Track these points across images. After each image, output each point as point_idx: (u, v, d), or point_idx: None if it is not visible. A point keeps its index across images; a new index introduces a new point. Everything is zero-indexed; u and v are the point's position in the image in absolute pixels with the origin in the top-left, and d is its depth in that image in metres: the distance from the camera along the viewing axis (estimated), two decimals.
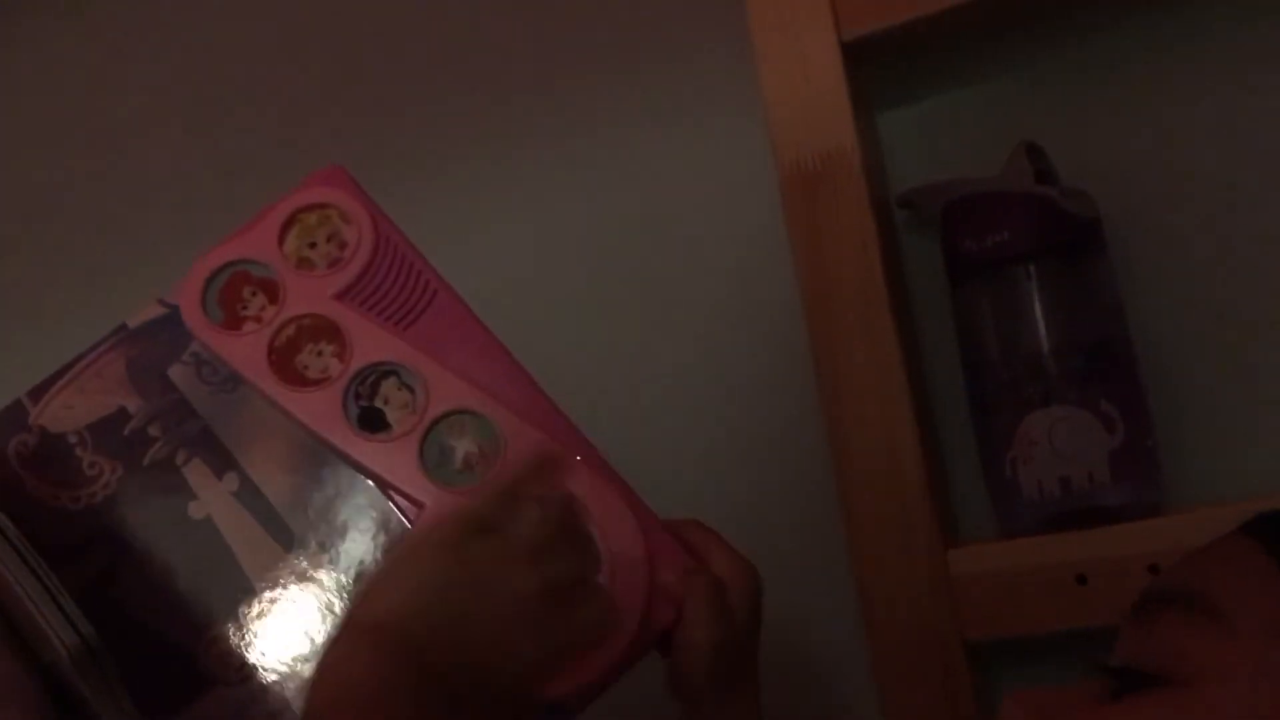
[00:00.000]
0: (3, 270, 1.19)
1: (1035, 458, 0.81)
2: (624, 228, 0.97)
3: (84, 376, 0.69)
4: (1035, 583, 0.80)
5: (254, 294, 0.68)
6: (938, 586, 0.82)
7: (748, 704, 0.68)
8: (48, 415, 0.68)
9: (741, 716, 0.68)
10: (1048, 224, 0.81)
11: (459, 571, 0.56)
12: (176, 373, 0.68)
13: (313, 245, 0.69)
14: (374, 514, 0.66)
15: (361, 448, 0.66)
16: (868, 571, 0.84)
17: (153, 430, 0.68)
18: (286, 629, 0.65)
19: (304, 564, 0.65)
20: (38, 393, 0.68)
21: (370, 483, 0.66)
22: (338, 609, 0.64)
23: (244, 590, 0.65)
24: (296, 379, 0.67)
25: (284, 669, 0.64)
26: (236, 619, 0.65)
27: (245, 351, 0.67)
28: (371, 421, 0.66)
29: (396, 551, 0.63)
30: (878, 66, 0.89)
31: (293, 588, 0.65)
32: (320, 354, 0.67)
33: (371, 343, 0.67)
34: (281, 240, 0.69)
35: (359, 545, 0.65)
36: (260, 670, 0.64)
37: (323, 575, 0.65)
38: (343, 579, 0.65)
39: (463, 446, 0.66)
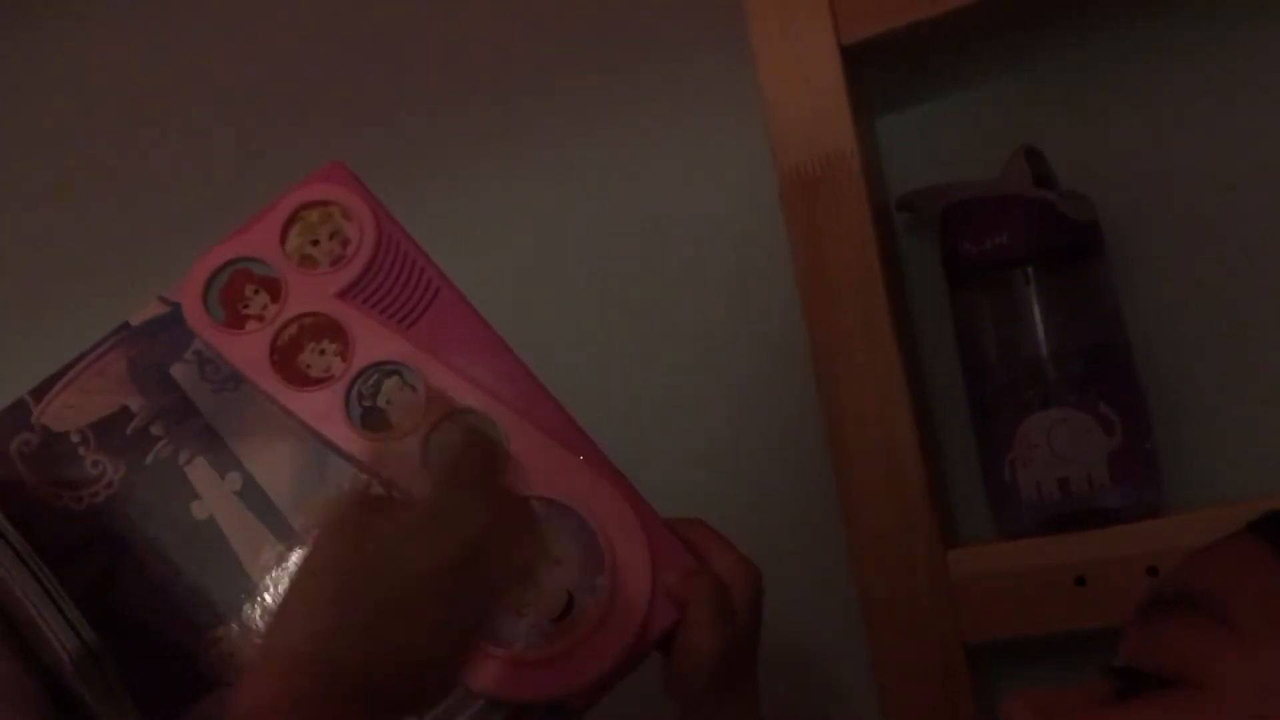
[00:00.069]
0: (3, 270, 1.18)
1: (1034, 460, 0.81)
2: (624, 230, 0.97)
3: (86, 375, 0.68)
4: (1034, 584, 0.80)
5: (256, 292, 0.68)
6: (937, 588, 0.82)
7: (748, 704, 0.68)
8: (50, 414, 0.68)
9: (741, 717, 0.68)
10: (1047, 227, 0.82)
11: (356, 563, 0.54)
12: (179, 371, 0.68)
13: (315, 243, 0.69)
14: None
15: (364, 448, 0.65)
16: (867, 573, 0.84)
17: (155, 429, 0.68)
18: None
19: None
20: (40, 392, 0.68)
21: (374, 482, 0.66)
22: None
23: (246, 590, 0.65)
24: (299, 378, 0.67)
25: None
26: (239, 619, 0.65)
27: (247, 350, 0.67)
28: (374, 421, 0.66)
29: (301, 559, 0.61)
30: (877, 69, 0.89)
31: None
32: (323, 353, 0.67)
33: (374, 341, 0.67)
34: (283, 238, 0.69)
35: None
36: None
37: None
38: None
39: None
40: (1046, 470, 0.81)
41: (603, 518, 0.65)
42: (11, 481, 0.67)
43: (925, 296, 0.89)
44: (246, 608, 0.65)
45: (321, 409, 0.66)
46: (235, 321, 0.68)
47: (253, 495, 0.66)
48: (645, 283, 0.97)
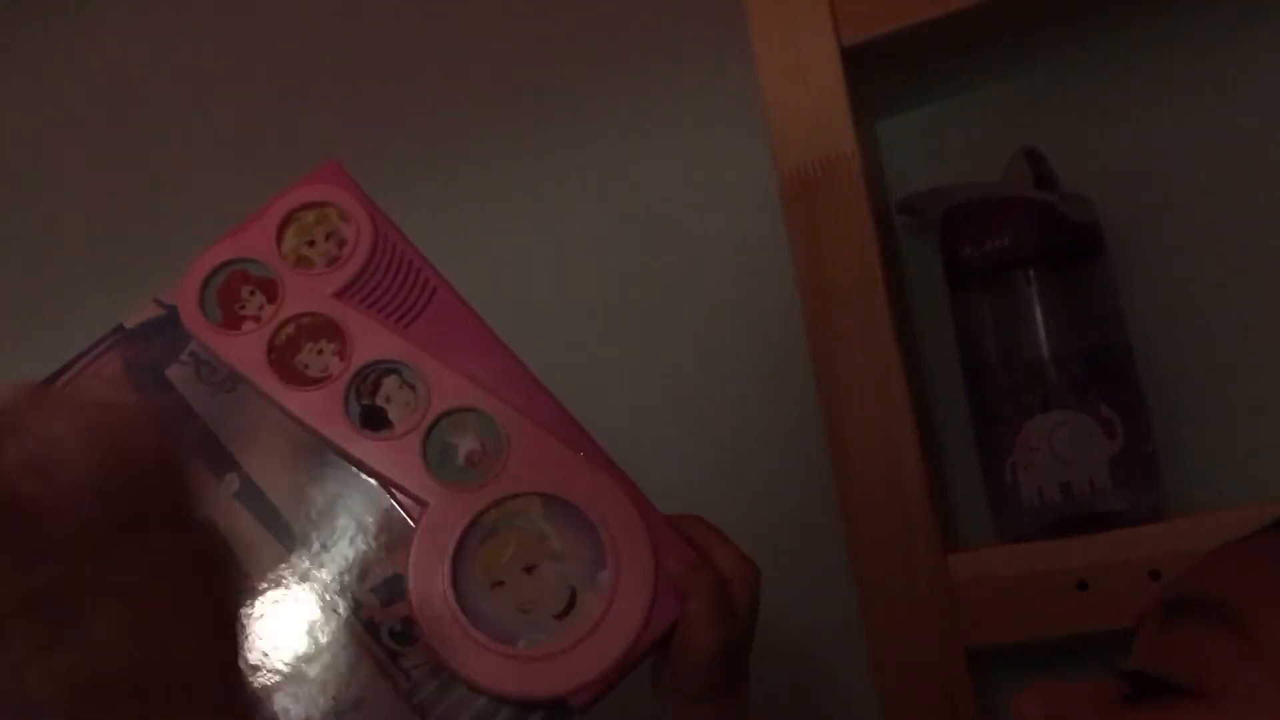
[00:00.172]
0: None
1: (1036, 463, 0.81)
2: (625, 232, 0.97)
3: (81, 378, 0.68)
4: (1036, 588, 0.80)
5: (252, 293, 0.68)
6: (938, 591, 0.82)
7: (739, 705, 0.67)
8: None
9: (733, 717, 0.67)
10: (1047, 229, 0.81)
11: None
12: (175, 373, 0.68)
13: (311, 243, 0.69)
14: (377, 513, 0.65)
15: (363, 446, 0.65)
16: (868, 576, 0.83)
17: None
18: (289, 630, 0.64)
19: (306, 564, 0.65)
20: None
21: (373, 482, 0.66)
22: (340, 609, 0.64)
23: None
24: (297, 378, 0.67)
25: (287, 670, 0.63)
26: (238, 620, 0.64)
27: (245, 350, 0.67)
28: (373, 420, 0.66)
29: None
30: (878, 71, 0.89)
31: (295, 588, 0.65)
32: (321, 352, 0.67)
33: (372, 341, 0.67)
34: (279, 239, 0.69)
35: (362, 545, 0.65)
36: (264, 672, 0.63)
37: (325, 575, 0.65)
38: (346, 579, 0.64)
39: (465, 444, 0.66)
40: (1048, 473, 0.81)
41: (604, 514, 0.65)
42: None
43: (926, 298, 0.89)
44: (245, 608, 0.64)
45: (320, 408, 0.66)
46: (232, 322, 0.68)
47: (251, 496, 0.66)
48: (645, 284, 0.97)
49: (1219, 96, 0.84)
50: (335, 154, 1.00)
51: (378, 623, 0.64)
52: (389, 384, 0.67)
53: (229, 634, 0.51)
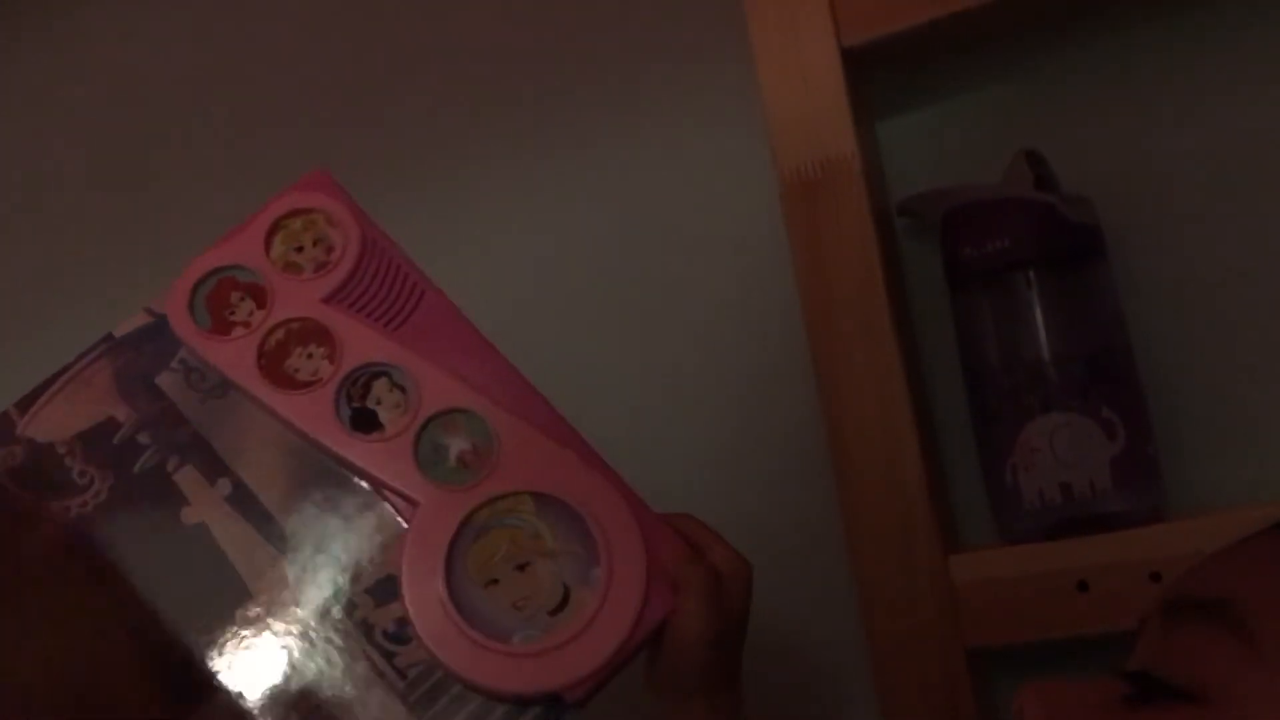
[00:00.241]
0: None
1: (1036, 464, 0.81)
2: (625, 233, 0.97)
3: (71, 387, 0.68)
4: (1036, 590, 0.80)
5: (242, 299, 0.69)
6: (939, 593, 0.82)
7: (732, 700, 0.67)
8: (35, 427, 0.68)
9: (726, 714, 0.67)
10: (1048, 231, 0.81)
11: None
12: (165, 380, 0.68)
13: (299, 249, 0.70)
14: (369, 514, 0.66)
15: (355, 448, 0.66)
16: (868, 578, 0.83)
17: (142, 438, 0.68)
18: (284, 633, 0.64)
19: (299, 566, 0.65)
20: (25, 404, 0.68)
21: (364, 483, 0.66)
22: (335, 610, 0.64)
23: (240, 594, 0.65)
24: (287, 382, 0.67)
25: (284, 673, 0.64)
26: (233, 623, 0.65)
27: (234, 356, 0.67)
28: (364, 422, 0.67)
29: None
30: (878, 73, 0.89)
31: (289, 590, 0.65)
32: (310, 356, 0.67)
33: (362, 344, 0.67)
34: (268, 246, 0.70)
35: (355, 546, 0.65)
36: (259, 675, 0.64)
37: (319, 577, 0.65)
38: (339, 580, 0.65)
39: (456, 444, 0.66)
40: (1048, 475, 0.81)
41: (596, 511, 0.65)
42: None
43: (926, 300, 0.89)
44: (240, 611, 0.65)
45: (311, 411, 0.66)
46: (221, 328, 0.68)
47: (243, 500, 0.66)
48: (645, 286, 0.97)
49: (1219, 98, 0.83)
50: (335, 153, 1.01)
51: (372, 623, 0.64)
52: (379, 386, 0.67)
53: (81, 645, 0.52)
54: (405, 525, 0.65)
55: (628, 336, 0.97)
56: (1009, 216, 0.82)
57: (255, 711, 0.63)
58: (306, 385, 0.67)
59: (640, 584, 0.64)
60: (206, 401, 0.68)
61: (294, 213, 0.70)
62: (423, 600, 0.63)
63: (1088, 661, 0.72)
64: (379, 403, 0.67)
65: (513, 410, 0.67)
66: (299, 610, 0.64)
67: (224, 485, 0.67)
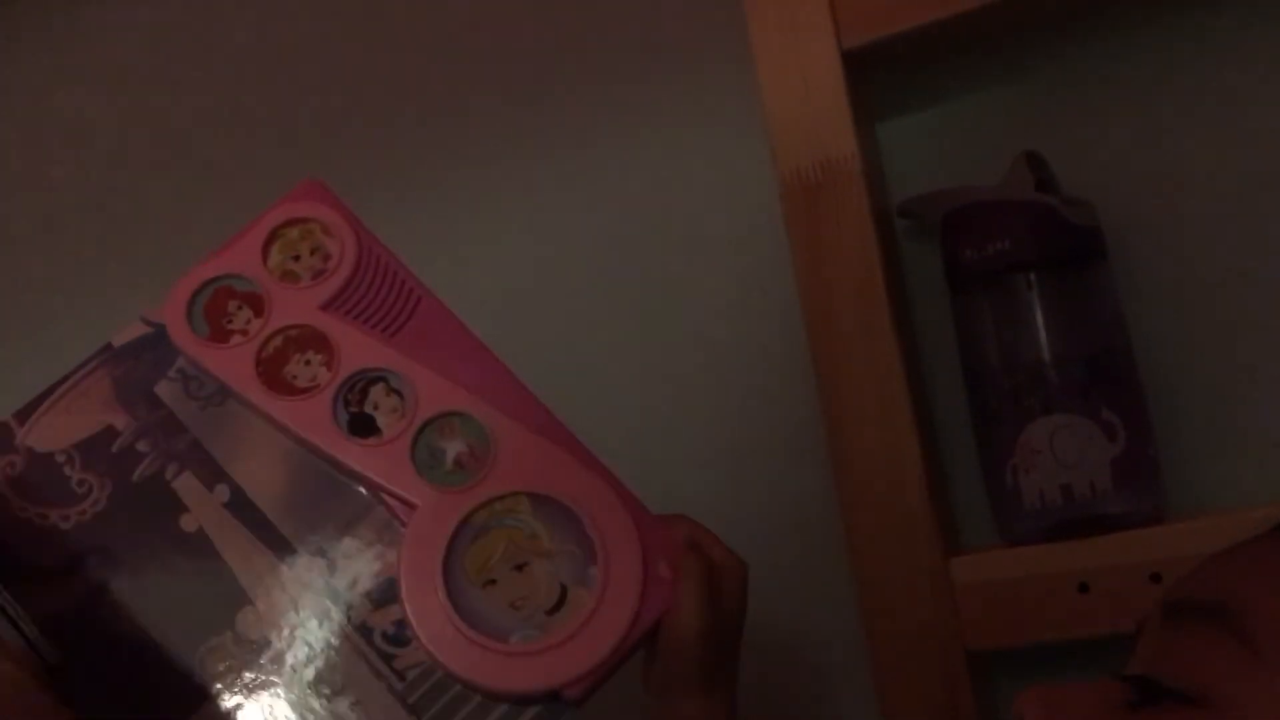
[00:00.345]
0: None
1: (1037, 466, 0.81)
2: (625, 236, 0.98)
3: (70, 397, 0.69)
4: (1037, 591, 0.80)
5: (239, 308, 0.69)
6: (939, 595, 0.82)
7: (727, 700, 0.68)
8: (34, 436, 0.68)
9: (721, 715, 0.67)
10: (1048, 232, 0.81)
11: None
12: (163, 389, 0.69)
13: (296, 258, 0.70)
14: (367, 518, 0.66)
15: (353, 453, 0.66)
16: (869, 579, 0.83)
17: (141, 446, 0.68)
18: (283, 636, 0.65)
19: (298, 571, 0.65)
20: (24, 414, 0.69)
21: (362, 487, 0.66)
22: (333, 614, 0.65)
23: (239, 600, 0.65)
24: (285, 388, 0.67)
25: (283, 676, 0.64)
26: (232, 629, 0.65)
27: (232, 363, 0.68)
28: (362, 427, 0.67)
29: None
30: (879, 74, 0.89)
31: (288, 595, 0.65)
32: (308, 363, 0.68)
33: (359, 350, 0.68)
34: (265, 255, 0.70)
35: (353, 550, 0.66)
36: (258, 681, 0.64)
37: (318, 581, 0.65)
38: (337, 584, 0.65)
39: (453, 447, 0.67)
40: (1049, 476, 0.81)
41: (592, 511, 0.65)
42: None
43: (926, 302, 0.89)
44: (239, 616, 0.65)
45: (308, 417, 0.66)
46: (219, 336, 0.69)
47: (241, 506, 0.66)
48: (645, 288, 0.97)
49: (1220, 99, 0.83)
50: (335, 153, 1.01)
51: (371, 626, 0.64)
52: (376, 391, 0.68)
53: None
54: (403, 528, 0.65)
55: (627, 337, 0.97)
56: (1009, 218, 0.82)
57: (254, 717, 0.64)
58: (304, 391, 0.67)
59: (637, 582, 0.64)
60: (205, 409, 0.68)
61: (290, 222, 0.71)
62: (421, 602, 0.64)
63: (1088, 663, 0.72)
64: (376, 407, 0.67)
65: (508, 412, 0.67)
66: (297, 614, 0.65)
67: (222, 492, 0.67)
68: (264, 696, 0.64)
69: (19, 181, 1.20)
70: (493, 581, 0.64)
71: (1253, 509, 0.75)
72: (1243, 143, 0.83)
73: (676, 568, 0.65)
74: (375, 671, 0.64)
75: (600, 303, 0.98)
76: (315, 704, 0.64)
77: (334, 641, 0.64)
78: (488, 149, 1.02)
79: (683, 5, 0.96)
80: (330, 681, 0.64)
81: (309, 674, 0.64)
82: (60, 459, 0.68)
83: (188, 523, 0.67)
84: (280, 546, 0.66)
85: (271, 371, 0.68)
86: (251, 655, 0.65)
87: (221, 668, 0.65)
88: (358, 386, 0.68)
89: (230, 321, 0.69)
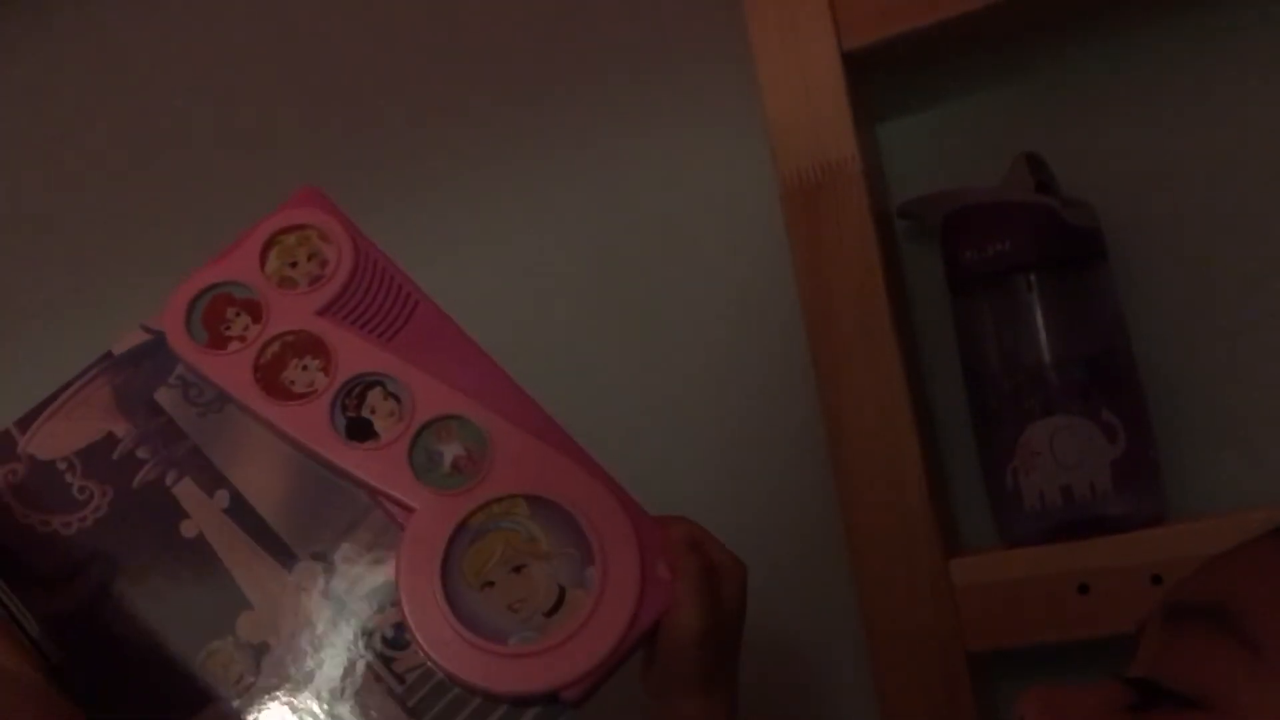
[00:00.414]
0: None
1: (1037, 467, 0.81)
2: (625, 238, 0.98)
3: (70, 405, 0.69)
4: (1037, 592, 0.80)
5: (237, 314, 0.69)
6: (939, 596, 0.82)
7: (727, 701, 0.68)
8: (36, 444, 0.68)
9: (720, 715, 0.67)
10: (1049, 234, 0.81)
11: None
12: (163, 396, 0.69)
13: (293, 264, 0.70)
14: (366, 522, 0.66)
15: (351, 457, 0.66)
16: (869, 581, 0.84)
17: (141, 453, 0.68)
18: (282, 640, 0.65)
19: (298, 575, 0.66)
20: (25, 422, 0.69)
21: (361, 491, 0.66)
22: (333, 618, 0.65)
23: (239, 604, 0.65)
24: (284, 394, 0.68)
25: (282, 680, 0.64)
26: (232, 633, 0.65)
27: (231, 369, 0.68)
28: (359, 431, 0.67)
29: None
30: (879, 76, 0.89)
31: (287, 599, 0.65)
32: (306, 368, 0.68)
33: (356, 355, 0.68)
34: (262, 262, 0.70)
35: (351, 554, 0.66)
36: (258, 684, 0.64)
37: (317, 585, 0.65)
38: (336, 588, 0.65)
39: (450, 450, 0.67)
40: (1049, 478, 0.81)
41: (589, 512, 0.65)
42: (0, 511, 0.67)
43: (927, 303, 0.89)
44: (239, 621, 0.65)
45: (307, 422, 0.67)
46: (218, 343, 0.69)
47: (241, 511, 0.67)
48: (646, 290, 0.97)
49: (1220, 101, 0.83)
50: (334, 153, 1.01)
51: (370, 629, 0.64)
52: (373, 396, 0.68)
53: None
54: (401, 531, 0.65)
55: (627, 337, 0.97)
56: (1010, 219, 0.82)
57: None
58: (302, 396, 0.67)
59: (635, 583, 0.64)
60: (204, 415, 0.68)
61: (288, 228, 0.71)
62: (420, 605, 0.64)
63: (1088, 664, 0.72)
64: (374, 412, 0.67)
65: (506, 415, 0.67)
66: (297, 618, 0.65)
67: (222, 497, 0.67)
68: (265, 700, 0.64)
69: (17, 185, 1.20)
70: (491, 584, 0.65)
71: (1253, 510, 0.75)
72: (1243, 143, 0.83)
73: (675, 568, 0.65)
74: (375, 674, 0.64)
75: (600, 303, 0.98)
76: (315, 707, 0.64)
77: (333, 645, 0.64)
78: (488, 149, 1.02)
79: (683, 5, 0.96)
80: (330, 685, 0.64)
81: (309, 678, 0.64)
82: (61, 466, 0.68)
83: (188, 528, 0.67)
84: (280, 551, 0.66)
85: (269, 377, 0.68)
86: (252, 659, 0.65)
87: (222, 672, 0.65)
88: (355, 391, 0.68)
89: (228, 328, 0.69)
